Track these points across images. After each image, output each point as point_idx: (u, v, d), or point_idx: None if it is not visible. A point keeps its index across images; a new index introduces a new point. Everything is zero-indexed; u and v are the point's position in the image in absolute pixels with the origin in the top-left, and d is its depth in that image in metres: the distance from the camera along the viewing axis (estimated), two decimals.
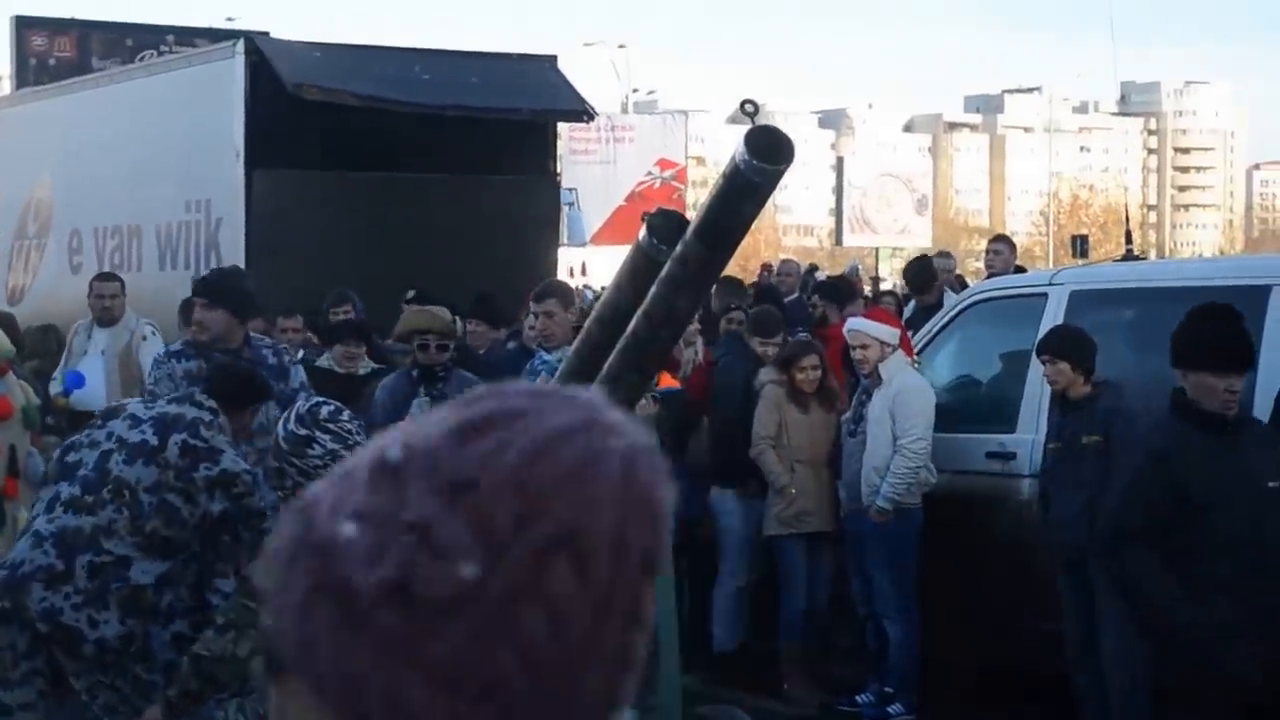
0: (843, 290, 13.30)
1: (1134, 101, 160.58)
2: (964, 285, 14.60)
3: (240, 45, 14.31)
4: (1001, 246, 14.21)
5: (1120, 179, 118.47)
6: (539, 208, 15.60)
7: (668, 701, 6.43)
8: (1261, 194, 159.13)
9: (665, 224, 5.55)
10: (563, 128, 19.56)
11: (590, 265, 30.42)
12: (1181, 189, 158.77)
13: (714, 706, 6.87)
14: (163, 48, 20.30)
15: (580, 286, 21.41)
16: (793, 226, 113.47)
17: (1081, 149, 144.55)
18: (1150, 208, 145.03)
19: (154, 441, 6.50)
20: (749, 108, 5.30)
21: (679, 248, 5.29)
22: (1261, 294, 8.49)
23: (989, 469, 9.41)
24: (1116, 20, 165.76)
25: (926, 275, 13.17)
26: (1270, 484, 6.28)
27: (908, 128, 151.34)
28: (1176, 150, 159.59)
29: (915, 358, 9.77)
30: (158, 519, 6.48)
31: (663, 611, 6.45)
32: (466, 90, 14.65)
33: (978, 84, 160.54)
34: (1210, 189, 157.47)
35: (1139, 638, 8.05)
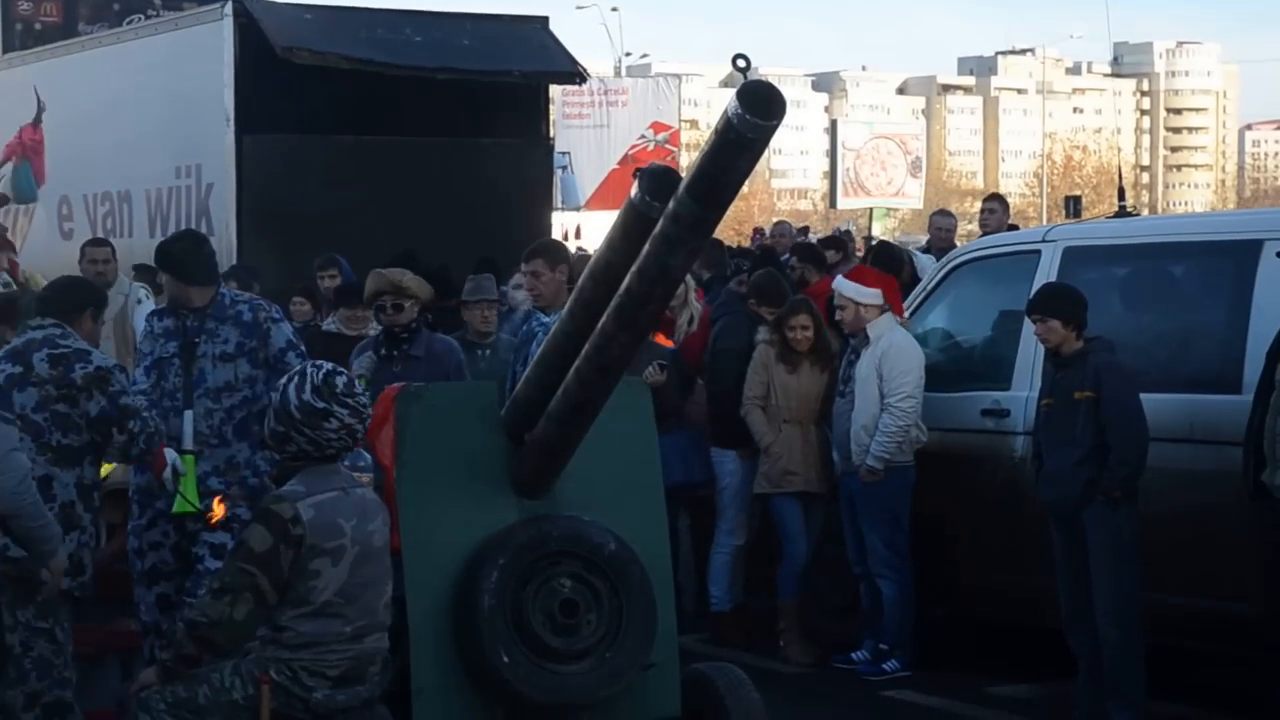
0: (819, 252, 13.32)
1: (1126, 62, 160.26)
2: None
3: (228, 8, 14.25)
4: (996, 205, 14.24)
5: (1113, 140, 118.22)
6: (532, 170, 15.59)
7: (664, 660, 6.44)
8: (1253, 154, 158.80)
9: (658, 181, 5.53)
10: (555, 91, 19.57)
11: (584, 229, 30.37)
12: (1174, 149, 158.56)
13: (710, 664, 6.87)
14: (150, 11, 20.24)
15: (575, 250, 21.37)
16: (787, 190, 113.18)
17: (1075, 110, 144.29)
18: (1143, 168, 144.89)
19: (18, 370, 6.97)
20: (741, 63, 5.28)
21: (671, 204, 5.28)
22: (1253, 249, 8.49)
23: (983, 426, 9.42)
24: None
25: (893, 260, 13.17)
26: None
27: (901, 90, 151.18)
28: (1169, 111, 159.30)
29: (905, 317, 9.77)
30: (56, 431, 6.95)
31: (659, 571, 6.46)
32: (458, 52, 14.62)
33: (971, 46, 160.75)
34: (1202, 149, 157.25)
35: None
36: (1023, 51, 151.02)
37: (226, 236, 13.96)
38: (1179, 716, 8.58)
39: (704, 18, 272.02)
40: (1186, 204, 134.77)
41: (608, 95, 37.33)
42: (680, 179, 5.36)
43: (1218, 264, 8.87)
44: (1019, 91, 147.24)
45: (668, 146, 36.66)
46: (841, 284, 9.81)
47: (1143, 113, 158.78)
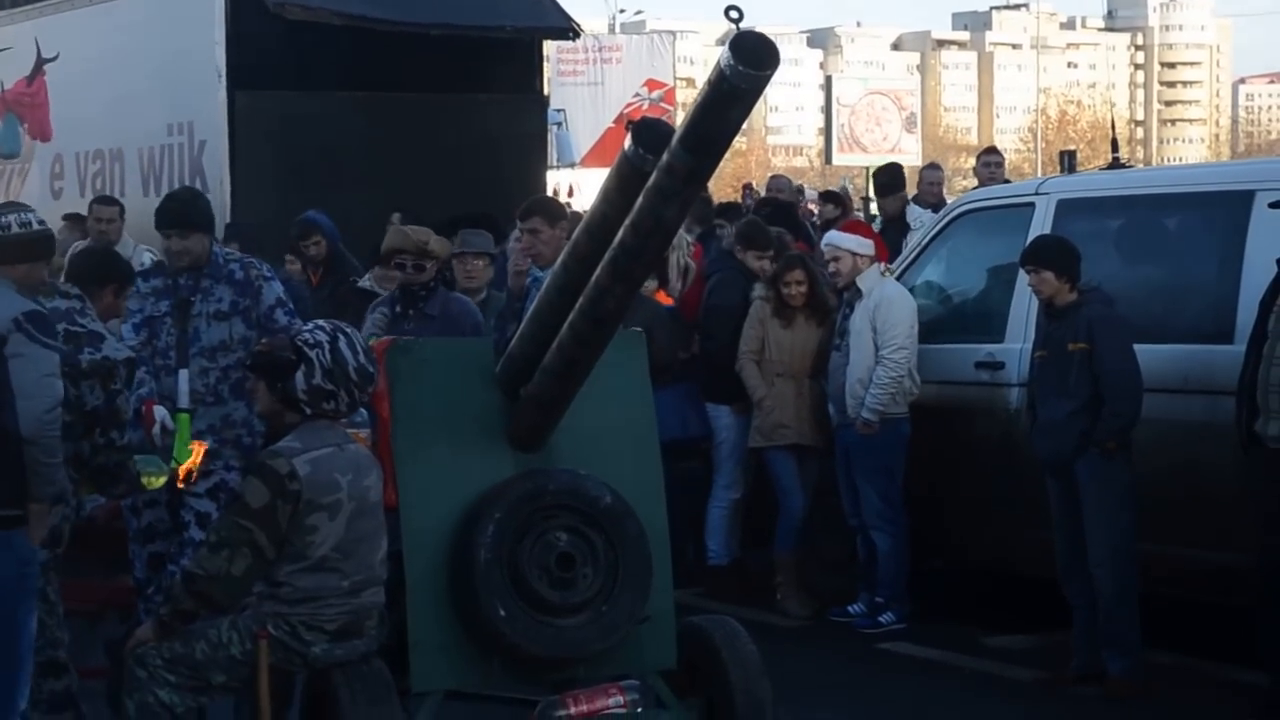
0: (791, 211, 13.51)
1: (1120, 17, 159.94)
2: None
3: None
4: (992, 159, 14.32)
5: (1107, 95, 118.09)
6: (526, 126, 15.58)
7: (661, 613, 6.45)
8: (1247, 107, 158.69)
9: (651, 133, 5.53)
10: (550, 49, 19.53)
11: (581, 186, 30.32)
12: (1168, 104, 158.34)
13: (706, 616, 6.89)
14: None
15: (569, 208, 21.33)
16: (782, 147, 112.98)
17: (1069, 65, 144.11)
18: (1137, 123, 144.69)
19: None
20: (734, 14, 5.28)
21: (665, 157, 5.27)
22: (1246, 199, 8.49)
23: (978, 379, 9.44)
24: None
25: (895, 179, 13.69)
26: None
27: (896, 46, 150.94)
28: (1163, 65, 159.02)
29: (888, 266, 9.78)
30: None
31: (655, 524, 6.48)
32: (451, 8, 14.60)
33: (965, 1, 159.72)
34: (1196, 103, 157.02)
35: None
36: (1017, 6, 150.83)
37: (220, 194, 13.94)
38: (1174, 666, 8.61)
39: None
40: (1181, 158, 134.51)
41: (602, 52, 37.31)
42: (673, 131, 5.36)
43: (1211, 215, 8.87)
44: (1013, 47, 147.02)
45: (663, 104, 36.63)
46: (838, 236, 9.82)
47: (1137, 67, 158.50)
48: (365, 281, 10.82)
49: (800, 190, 22.27)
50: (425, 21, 14.33)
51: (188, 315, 7.83)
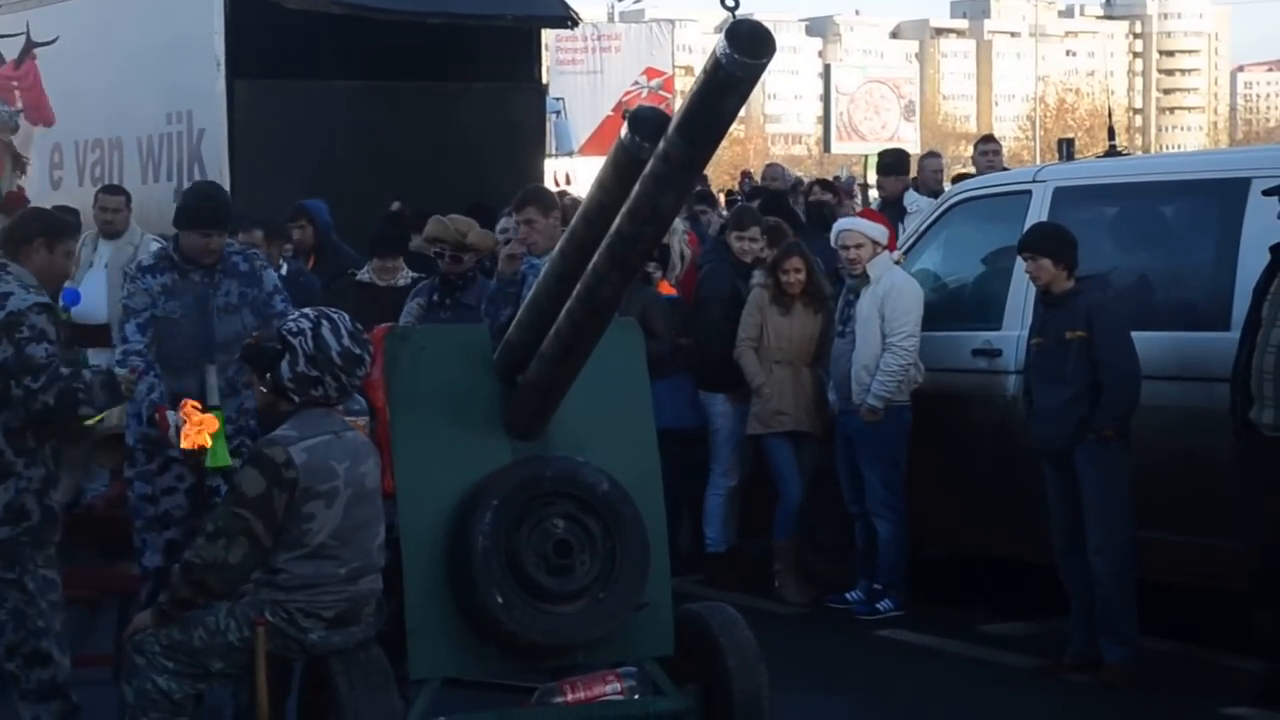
0: (784, 199, 13.55)
1: (1119, 4, 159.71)
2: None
3: None
4: (989, 147, 14.36)
5: (1106, 82, 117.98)
6: (524, 115, 15.57)
7: (658, 600, 6.47)
8: (1245, 95, 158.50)
9: (648, 121, 5.54)
10: (549, 37, 19.52)
11: (578, 175, 30.32)
12: (1167, 91, 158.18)
13: (704, 603, 6.90)
14: None
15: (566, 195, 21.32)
16: (781, 135, 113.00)
17: (1068, 53, 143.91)
18: (1136, 111, 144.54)
19: None
20: (730, 2, 5.28)
21: (661, 144, 5.29)
22: (1242, 186, 8.50)
23: (974, 366, 9.46)
24: None
25: (900, 162, 13.84)
26: None
27: (895, 34, 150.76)
28: (1161, 53, 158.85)
29: (901, 254, 9.81)
30: None
31: (652, 511, 6.49)
32: None
33: None
34: (1195, 91, 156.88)
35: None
36: None
37: (219, 183, 13.92)
38: (1171, 653, 8.63)
39: None
40: (1179, 146, 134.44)
41: (601, 41, 37.32)
42: (670, 119, 5.37)
43: (1207, 202, 8.88)
44: (1012, 34, 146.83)
45: (661, 93, 36.63)
46: (856, 223, 9.82)
47: (1135, 55, 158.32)
48: (364, 275, 10.77)
49: (799, 181, 22.27)
50: (424, 10, 14.32)
51: (209, 311, 7.77)
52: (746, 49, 4.93)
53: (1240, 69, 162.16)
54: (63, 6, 16.85)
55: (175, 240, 7.92)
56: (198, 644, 5.95)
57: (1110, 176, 9.58)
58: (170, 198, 14.63)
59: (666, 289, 10.46)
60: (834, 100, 55.41)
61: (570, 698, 6.33)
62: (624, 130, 5.55)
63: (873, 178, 41.85)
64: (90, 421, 6.92)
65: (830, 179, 20.51)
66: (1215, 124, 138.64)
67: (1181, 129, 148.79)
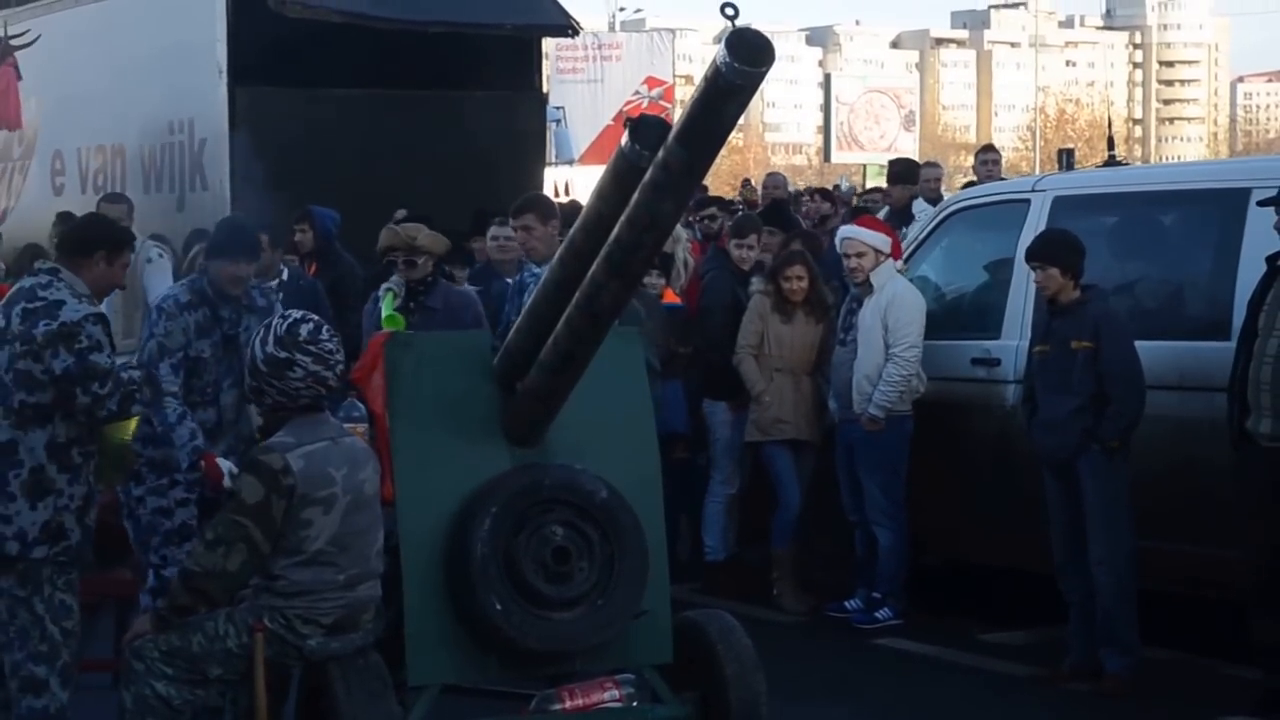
0: (784, 208, 13.59)
1: (1119, 15, 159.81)
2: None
3: None
4: (989, 156, 14.45)
5: (1106, 93, 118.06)
6: (525, 124, 15.57)
7: (656, 607, 6.47)
8: (1245, 106, 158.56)
9: (647, 130, 5.55)
10: (549, 46, 19.51)
11: (578, 184, 30.33)
12: (1166, 102, 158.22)
13: (702, 611, 6.90)
14: None
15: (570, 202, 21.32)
16: (781, 144, 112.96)
17: (1067, 64, 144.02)
18: (1136, 121, 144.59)
19: (1, 323, 6.52)
20: (729, 11, 5.28)
21: (661, 153, 5.30)
22: (1242, 197, 8.50)
23: (974, 375, 9.46)
24: None
25: (909, 172, 13.89)
26: None
27: (895, 44, 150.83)
28: (1161, 64, 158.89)
29: (904, 264, 9.82)
30: (21, 391, 6.45)
31: (651, 518, 6.50)
32: (450, 5, 14.60)
33: None
34: (1195, 102, 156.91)
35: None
36: (1015, 5, 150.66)
37: (220, 192, 13.97)
38: (1171, 662, 8.63)
39: None
40: (1179, 157, 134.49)
41: (601, 50, 37.30)
42: (669, 128, 5.38)
43: (1206, 212, 8.90)
44: (1012, 45, 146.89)
45: (662, 102, 36.61)
46: (857, 231, 9.81)
47: (1135, 65, 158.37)
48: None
49: (797, 192, 22.28)
50: (425, 19, 14.33)
51: (237, 350, 7.74)
52: (746, 57, 4.95)
53: (1240, 80, 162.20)
54: (65, 15, 16.86)
55: (205, 272, 7.95)
56: (196, 650, 5.97)
57: (1109, 186, 9.59)
58: (172, 205, 14.67)
59: (671, 297, 10.47)
60: (834, 110, 55.42)
61: (568, 705, 6.33)
62: (624, 138, 5.56)
63: (871, 185, 42.00)
64: (127, 433, 7.04)
65: (830, 188, 20.53)
66: (1215, 134, 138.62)
67: (1181, 139, 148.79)
